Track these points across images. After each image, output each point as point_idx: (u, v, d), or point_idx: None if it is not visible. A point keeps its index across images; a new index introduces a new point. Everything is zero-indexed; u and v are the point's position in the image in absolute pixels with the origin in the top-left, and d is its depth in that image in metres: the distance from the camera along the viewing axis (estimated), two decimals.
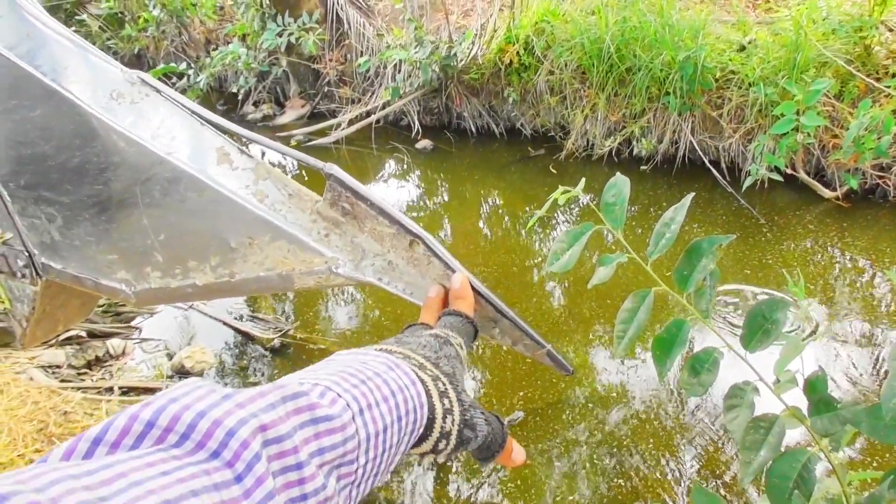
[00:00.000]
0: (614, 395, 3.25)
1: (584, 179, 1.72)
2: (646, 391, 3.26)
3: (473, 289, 0.84)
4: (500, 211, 5.30)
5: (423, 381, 0.61)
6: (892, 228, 4.64)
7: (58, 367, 3.41)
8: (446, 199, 5.67)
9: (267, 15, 6.79)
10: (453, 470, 2.87)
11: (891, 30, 5.05)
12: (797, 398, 1.50)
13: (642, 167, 5.42)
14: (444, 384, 0.63)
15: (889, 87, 4.70)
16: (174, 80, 7.24)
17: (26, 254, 0.99)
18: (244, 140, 0.94)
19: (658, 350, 1.59)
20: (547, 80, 5.71)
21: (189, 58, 7.61)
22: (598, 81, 5.39)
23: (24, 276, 1.02)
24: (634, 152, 5.47)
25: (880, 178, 4.82)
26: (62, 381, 3.30)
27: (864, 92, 4.79)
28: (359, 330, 3.84)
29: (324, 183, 0.87)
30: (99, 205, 0.92)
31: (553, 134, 5.92)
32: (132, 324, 3.88)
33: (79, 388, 3.15)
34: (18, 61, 0.88)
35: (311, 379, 0.54)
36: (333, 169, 0.84)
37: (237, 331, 3.76)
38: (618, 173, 1.69)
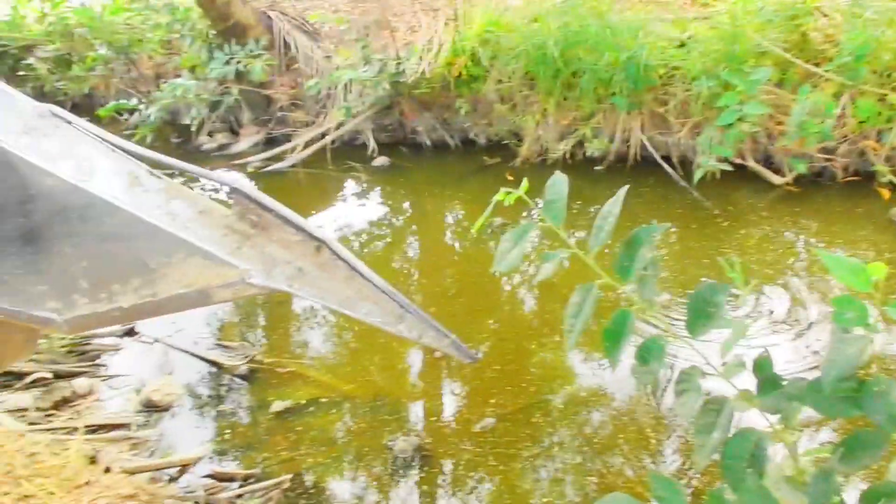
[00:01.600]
0: (585, 394, 3.29)
1: (525, 180, 1.76)
2: (620, 390, 3.29)
3: (375, 284, 0.85)
4: (462, 221, 5.34)
5: None
6: (843, 210, 4.78)
7: (24, 410, 3.34)
8: (408, 213, 5.69)
9: (213, 45, 6.77)
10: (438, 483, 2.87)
11: (825, 15, 5.22)
12: (746, 382, 1.54)
13: (596, 168, 5.51)
14: None
15: (827, 71, 4.86)
16: (126, 116, 7.17)
17: None
18: (150, 161, 0.95)
19: (608, 341, 1.63)
20: (496, 89, 5.78)
21: (140, 93, 7.53)
22: (545, 87, 5.47)
23: None
24: (588, 153, 5.56)
25: (827, 160, 4.96)
26: (30, 423, 3.24)
27: (804, 78, 4.94)
28: (326, 349, 3.83)
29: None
30: (23, 237, 0.93)
31: (507, 142, 5.98)
32: (97, 361, 3.82)
33: (46, 430, 3.10)
34: None
35: None
36: (237, 182, 0.86)
37: (204, 360, 3.72)
38: (556, 171, 1.73)
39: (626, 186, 1.60)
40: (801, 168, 4.80)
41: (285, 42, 6.67)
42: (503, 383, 3.36)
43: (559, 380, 3.38)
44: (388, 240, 5.17)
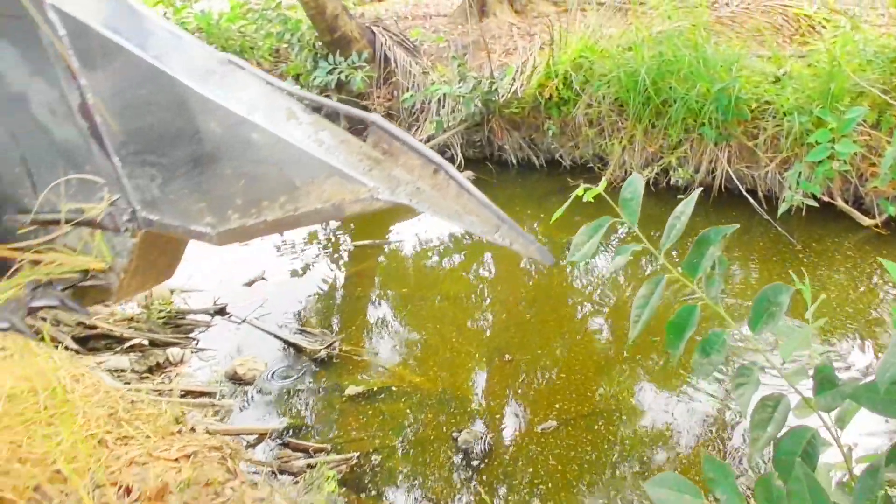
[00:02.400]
0: (650, 410, 3.33)
1: (604, 179, 1.90)
2: (686, 407, 3.32)
3: (479, 200, 1.01)
4: (542, 240, 5.45)
5: None
6: None
7: (122, 371, 3.67)
8: None
9: (319, 55, 7.19)
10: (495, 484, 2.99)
11: None
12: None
13: (679, 196, 5.50)
14: None
15: None
16: None
17: (131, 210, 1.22)
18: (307, 101, 1.15)
19: (671, 334, 1.75)
20: (585, 112, 5.90)
21: None
22: (635, 113, 5.55)
23: (126, 229, 1.24)
24: (672, 182, 5.59)
25: None
26: (126, 383, 3.55)
27: None
28: (400, 342, 4.02)
29: None
30: (192, 162, 1.14)
31: (591, 165, 6.07)
32: (190, 335, 4.14)
33: (140, 391, 3.39)
34: (133, 49, 1.12)
35: None
36: (374, 117, 1.05)
37: (287, 343, 3.97)
38: (634, 173, 1.87)
39: (699, 189, 1.71)
40: (892, 211, 4.70)
41: (386, 56, 7.01)
42: (569, 390, 3.45)
43: (625, 393, 3.45)
44: (467, 251, 5.34)
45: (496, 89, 6.13)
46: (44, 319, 3.81)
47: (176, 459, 2.49)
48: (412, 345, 4.00)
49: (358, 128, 1.11)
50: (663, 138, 5.56)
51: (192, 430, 3.11)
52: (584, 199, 1.98)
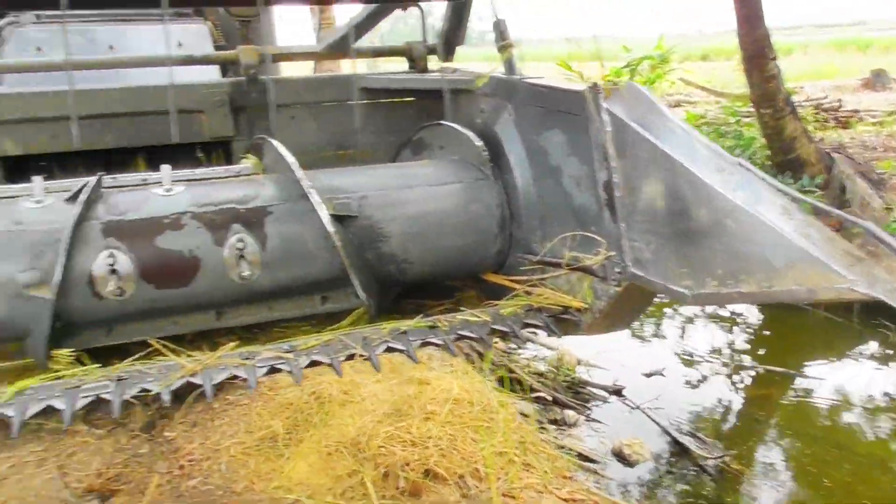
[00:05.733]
0: None
1: None
2: None
3: None
4: None
5: None
6: None
7: (526, 415, 4.17)
8: None
9: (768, 174, 7.13)
10: None
11: None
12: None
13: None
14: None
15: None
16: None
17: (623, 265, 1.56)
18: (805, 202, 1.35)
19: None
20: None
21: None
22: None
23: (614, 279, 1.58)
24: None
25: None
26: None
27: None
28: (790, 480, 3.74)
29: None
30: (685, 235, 1.42)
31: None
32: (587, 404, 4.49)
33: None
34: (656, 142, 1.47)
35: None
36: (868, 224, 1.19)
37: (676, 441, 4.02)
38: None
39: None
40: None
41: (843, 185, 6.62)
42: None
43: None
44: None
45: None
46: (475, 355, 4.58)
47: (565, 500, 2.78)
48: (801, 488, 3.69)
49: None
50: None
51: (586, 488, 3.40)
52: None
